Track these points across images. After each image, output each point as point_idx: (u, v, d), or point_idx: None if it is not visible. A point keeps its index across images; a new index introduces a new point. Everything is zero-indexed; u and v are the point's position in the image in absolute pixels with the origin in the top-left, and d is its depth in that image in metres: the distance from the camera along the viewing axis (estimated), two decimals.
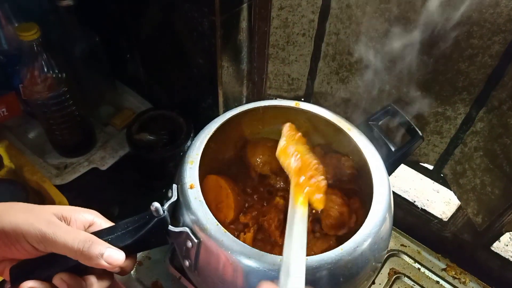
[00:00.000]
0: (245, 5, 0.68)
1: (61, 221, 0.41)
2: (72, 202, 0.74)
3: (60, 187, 0.77)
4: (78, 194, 0.78)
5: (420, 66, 0.61)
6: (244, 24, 0.70)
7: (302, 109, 0.61)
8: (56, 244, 0.39)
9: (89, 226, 0.44)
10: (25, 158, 0.81)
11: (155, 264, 0.68)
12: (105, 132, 0.90)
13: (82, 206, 0.76)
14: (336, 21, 0.67)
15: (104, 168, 0.84)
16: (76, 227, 0.43)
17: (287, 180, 0.63)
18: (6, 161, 0.81)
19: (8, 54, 0.79)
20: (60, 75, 0.73)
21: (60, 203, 0.74)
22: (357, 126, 0.59)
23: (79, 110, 0.80)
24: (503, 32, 0.53)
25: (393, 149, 0.57)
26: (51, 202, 0.75)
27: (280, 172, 0.62)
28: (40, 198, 0.76)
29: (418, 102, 0.65)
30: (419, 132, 0.58)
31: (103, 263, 0.40)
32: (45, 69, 0.71)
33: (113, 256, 0.41)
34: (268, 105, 0.61)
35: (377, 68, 0.66)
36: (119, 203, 0.81)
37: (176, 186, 0.50)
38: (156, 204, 0.44)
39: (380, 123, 0.59)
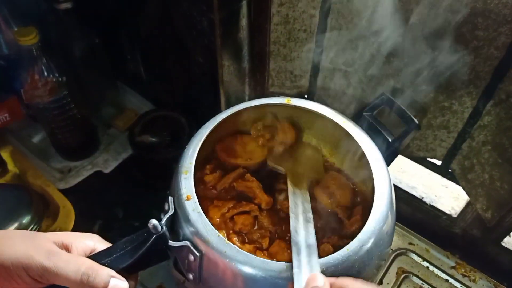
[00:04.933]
0: (244, 2, 0.67)
1: (62, 249, 0.40)
2: (76, 206, 0.74)
3: (64, 191, 0.77)
4: (82, 198, 0.78)
5: (425, 59, 0.59)
6: (244, 21, 0.69)
7: (295, 106, 0.59)
8: (58, 277, 0.37)
9: (90, 252, 0.43)
10: (29, 162, 0.81)
11: (159, 268, 0.67)
12: (108, 135, 0.90)
13: (86, 210, 0.77)
14: (338, 16, 0.66)
15: (107, 171, 0.83)
16: (77, 254, 0.41)
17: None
18: (10, 166, 0.81)
19: (9, 59, 0.78)
20: (60, 79, 0.73)
21: (64, 207, 0.74)
22: (352, 119, 0.57)
23: (81, 113, 0.79)
24: (509, 23, 0.51)
25: (390, 139, 0.56)
26: (55, 206, 0.74)
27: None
28: (44, 202, 0.76)
29: (423, 97, 0.63)
30: (415, 120, 0.56)
31: None
32: (45, 73, 0.71)
33: (118, 286, 0.39)
34: (259, 104, 0.59)
35: (381, 62, 0.64)
36: (123, 205, 0.80)
37: (172, 198, 0.48)
38: (153, 221, 0.42)
39: (374, 113, 0.58)
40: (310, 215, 0.51)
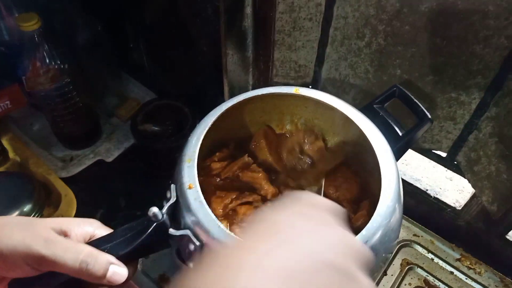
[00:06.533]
0: None
1: (60, 235, 0.39)
2: (78, 195, 0.74)
3: (66, 180, 0.77)
4: (84, 187, 0.78)
5: (433, 49, 0.58)
6: (249, 9, 0.68)
7: (303, 95, 0.58)
8: (56, 265, 0.37)
9: (90, 238, 0.42)
10: (30, 150, 0.81)
11: (162, 257, 0.67)
12: (110, 124, 0.90)
13: (88, 199, 0.76)
14: (345, 4, 0.64)
15: (109, 159, 0.83)
16: (76, 240, 0.41)
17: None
18: (11, 154, 0.80)
19: (10, 45, 0.78)
20: (62, 66, 0.72)
21: (66, 196, 0.73)
22: (361, 110, 0.56)
23: (83, 101, 0.79)
24: None
25: (400, 133, 0.55)
26: (57, 194, 0.74)
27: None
28: (46, 190, 0.75)
29: (430, 87, 0.63)
30: (428, 114, 0.55)
31: (106, 282, 0.38)
32: (47, 60, 0.70)
33: (117, 273, 0.39)
34: (267, 93, 0.58)
35: (387, 52, 0.63)
36: (126, 195, 0.80)
37: (174, 186, 0.47)
38: (154, 209, 0.42)
39: (385, 105, 0.57)
40: None
